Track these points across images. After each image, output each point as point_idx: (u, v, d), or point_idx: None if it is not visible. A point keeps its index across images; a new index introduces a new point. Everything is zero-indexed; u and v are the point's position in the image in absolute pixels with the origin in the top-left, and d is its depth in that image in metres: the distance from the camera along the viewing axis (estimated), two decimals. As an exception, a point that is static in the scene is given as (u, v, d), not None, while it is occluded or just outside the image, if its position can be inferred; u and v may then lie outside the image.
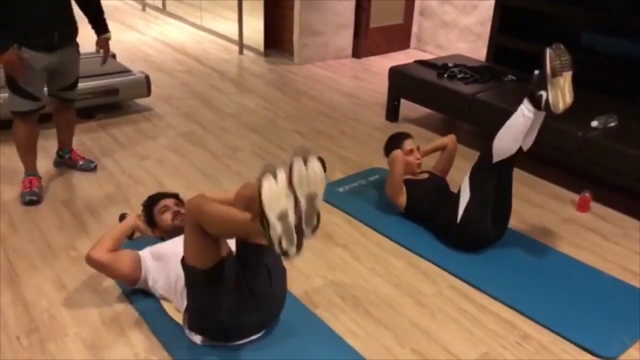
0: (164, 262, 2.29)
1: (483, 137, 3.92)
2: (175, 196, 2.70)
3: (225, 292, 2.00)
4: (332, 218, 3.06)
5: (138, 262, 2.33)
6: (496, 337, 2.29)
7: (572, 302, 2.48)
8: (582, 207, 3.21)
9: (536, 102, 2.58)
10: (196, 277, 2.01)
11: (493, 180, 2.71)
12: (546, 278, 2.64)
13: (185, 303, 2.12)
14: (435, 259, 2.74)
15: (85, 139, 3.84)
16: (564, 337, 2.28)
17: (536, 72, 2.61)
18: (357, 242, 2.87)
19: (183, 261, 2.05)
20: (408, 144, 3.11)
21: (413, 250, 2.81)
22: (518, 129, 2.65)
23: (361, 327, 2.29)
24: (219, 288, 2.00)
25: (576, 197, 3.27)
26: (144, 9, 7.64)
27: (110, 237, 2.37)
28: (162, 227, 2.55)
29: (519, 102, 3.70)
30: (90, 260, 2.29)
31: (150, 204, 2.63)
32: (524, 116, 2.63)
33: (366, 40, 5.93)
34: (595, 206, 3.24)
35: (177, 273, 2.15)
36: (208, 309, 2.02)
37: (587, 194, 3.21)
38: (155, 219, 2.57)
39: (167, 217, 2.54)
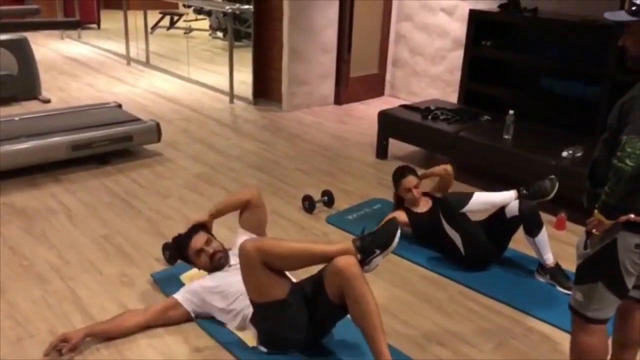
0: (221, 295, 2.58)
1: (465, 170, 4.46)
2: (201, 228, 2.80)
3: (299, 312, 2.36)
4: (347, 242, 3.45)
5: (177, 308, 2.59)
6: (506, 330, 2.72)
7: (563, 299, 2.94)
8: (560, 225, 3.73)
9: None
10: (275, 309, 2.33)
11: (464, 215, 3.15)
12: (537, 282, 3.11)
13: (248, 318, 2.50)
14: (443, 271, 3.17)
15: (108, 182, 4.15)
16: (560, 328, 2.71)
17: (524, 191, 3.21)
18: (374, 260, 3.27)
19: (257, 302, 2.36)
20: (406, 184, 3.44)
21: (422, 265, 3.24)
22: (495, 202, 3.19)
23: (391, 327, 2.67)
24: (297, 309, 2.36)
25: (553, 218, 3.78)
26: (129, 63, 8.03)
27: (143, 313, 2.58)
28: (202, 267, 2.74)
29: (497, 138, 4.27)
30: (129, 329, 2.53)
31: (180, 250, 2.77)
32: (505, 200, 3.17)
33: (347, 88, 6.49)
34: (570, 225, 3.75)
35: (237, 297, 2.53)
36: (287, 332, 2.38)
37: (562, 214, 3.73)
38: (193, 261, 2.74)
39: (204, 259, 2.68)
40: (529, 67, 5.13)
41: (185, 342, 2.52)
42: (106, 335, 2.50)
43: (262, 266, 2.28)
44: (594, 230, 1.91)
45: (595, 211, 1.89)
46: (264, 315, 2.41)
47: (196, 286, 2.64)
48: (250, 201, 2.95)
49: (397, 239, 2.32)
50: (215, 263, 2.69)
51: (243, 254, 2.29)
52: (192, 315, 2.62)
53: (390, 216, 3.41)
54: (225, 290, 2.58)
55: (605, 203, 1.85)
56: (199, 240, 2.71)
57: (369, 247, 2.30)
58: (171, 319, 2.60)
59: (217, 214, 2.95)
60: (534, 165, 3.84)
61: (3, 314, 2.65)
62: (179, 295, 2.63)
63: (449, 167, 3.65)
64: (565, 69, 4.81)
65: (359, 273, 2.22)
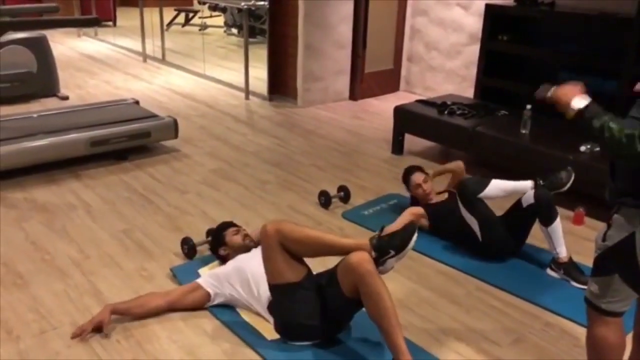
0: (240, 275, 2.65)
1: (482, 165, 4.45)
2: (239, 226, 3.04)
3: (312, 297, 2.40)
4: (364, 238, 3.46)
5: (198, 289, 2.68)
6: (524, 326, 2.71)
7: (581, 294, 2.92)
8: (577, 221, 3.70)
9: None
10: (288, 291, 2.40)
11: (481, 201, 3.18)
12: (555, 278, 3.10)
13: (265, 305, 2.53)
14: (461, 267, 3.17)
15: (126, 178, 4.19)
16: (579, 323, 2.70)
17: (541, 182, 3.21)
18: (390, 255, 3.28)
19: (273, 284, 2.44)
20: (415, 179, 3.53)
21: (440, 260, 3.24)
22: (512, 190, 3.21)
23: (409, 322, 2.68)
24: (310, 294, 2.40)
25: (571, 213, 3.75)
26: (145, 60, 8.08)
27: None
28: (232, 245, 2.90)
29: (515, 133, 4.24)
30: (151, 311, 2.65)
31: (222, 229, 3.00)
32: (522, 188, 3.18)
33: (362, 84, 6.48)
34: (588, 220, 3.73)
35: (255, 280, 2.57)
36: (300, 317, 2.41)
37: (580, 209, 3.71)
38: (225, 240, 2.93)
39: (238, 238, 2.91)
40: (546, 61, 5.09)
41: (204, 335, 2.54)
42: (129, 314, 2.60)
43: (279, 247, 2.38)
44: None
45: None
46: (278, 298, 2.45)
47: (218, 270, 2.77)
48: None
49: (413, 242, 2.33)
50: (247, 242, 2.88)
51: (263, 233, 2.43)
52: (212, 296, 2.68)
53: (408, 210, 3.43)
54: (244, 269, 2.64)
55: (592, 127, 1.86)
56: (239, 227, 2.99)
57: (385, 247, 2.31)
58: (192, 301, 2.67)
59: None
60: (552, 160, 3.81)
61: (27, 307, 2.70)
62: (200, 279, 2.74)
63: (460, 163, 3.71)
64: (583, 64, 4.76)
65: (373, 270, 2.23)
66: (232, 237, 2.92)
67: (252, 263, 2.65)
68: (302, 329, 2.45)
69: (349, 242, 2.39)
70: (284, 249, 2.39)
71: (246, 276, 2.63)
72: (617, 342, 2.03)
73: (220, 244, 2.95)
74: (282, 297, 2.45)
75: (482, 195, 3.15)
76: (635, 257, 1.88)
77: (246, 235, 2.93)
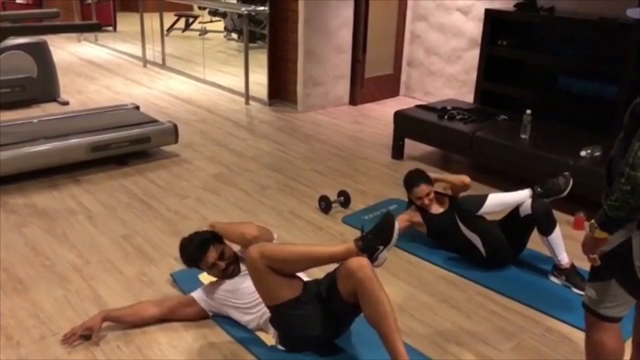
0: (235, 297, 2.61)
1: (481, 170, 4.45)
2: (213, 239, 2.70)
3: (313, 309, 2.39)
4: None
5: (194, 305, 2.65)
6: (524, 331, 2.71)
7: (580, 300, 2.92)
8: (578, 226, 3.70)
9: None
10: (288, 309, 2.37)
11: (481, 217, 3.15)
12: (557, 284, 3.09)
13: (264, 323, 2.54)
14: (461, 272, 3.17)
15: (126, 183, 4.20)
16: (580, 329, 2.69)
17: (539, 189, 3.19)
18: (391, 260, 3.24)
19: (269, 306, 2.41)
20: (419, 192, 3.38)
21: (440, 265, 3.24)
22: (510, 202, 3.17)
23: (409, 327, 2.68)
24: (310, 307, 2.39)
25: (571, 218, 3.75)
26: (145, 65, 8.10)
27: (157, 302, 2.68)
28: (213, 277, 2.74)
29: (514, 137, 4.25)
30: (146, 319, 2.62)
31: (194, 261, 2.69)
32: (520, 199, 3.15)
33: (362, 89, 6.49)
34: (588, 225, 3.71)
35: (252, 301, 2.56)
36: (303, 330, 2.40)
37: (581, 214, 3.71)
38: (205, 270, 2.71)
39: (217, 273, 2.66)
40: (546, 66, 5.11)
41: (205, 341, 2.54)
42: (122, 322, 2.59)
43: (268, 270, 2.32)
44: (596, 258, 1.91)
45: (596, 230, 1.84)
46: (280, 317, 2.43)
47: (212, 290, 2.67)
48: (253, 242, 2.60)
49: (396, 231, 2.32)
50: (228, 276, 2.68)
51: (249, 260, 2.35)
52: (209, 314, 2.67)
53: (403, 215, 3.40)
54: (240, 295, 2.60)
55: (611, 218, 1.78)
56: (211, 256, 2.64)
57: (372, 245, 2.31)
58: (187, 314, 2.65)
59: (220, 232, 2.83)
60: (552, 165, 3.82)
61: (27, 312, 2.70)
62: (196, 295, 2.68)
63: (466, 180, 3.53)
64: (582, 68, 4.77)
65: (372, 275, 2.23)
66: (211, 272, 2.69)
67: (246, 285, 2.58)
68: (304, 341, 2.45)
69: (337, 250, 2.36)
70: (273, 270, 2.33)
71: (243, 299, 2.59)
72: (615, 347, 2.03)
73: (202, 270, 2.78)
74: (282, 315, 2.42)
75: (480, 212, 3.12)
76: (632, 262, 1.87)
77: (227, 267, 2.64)
